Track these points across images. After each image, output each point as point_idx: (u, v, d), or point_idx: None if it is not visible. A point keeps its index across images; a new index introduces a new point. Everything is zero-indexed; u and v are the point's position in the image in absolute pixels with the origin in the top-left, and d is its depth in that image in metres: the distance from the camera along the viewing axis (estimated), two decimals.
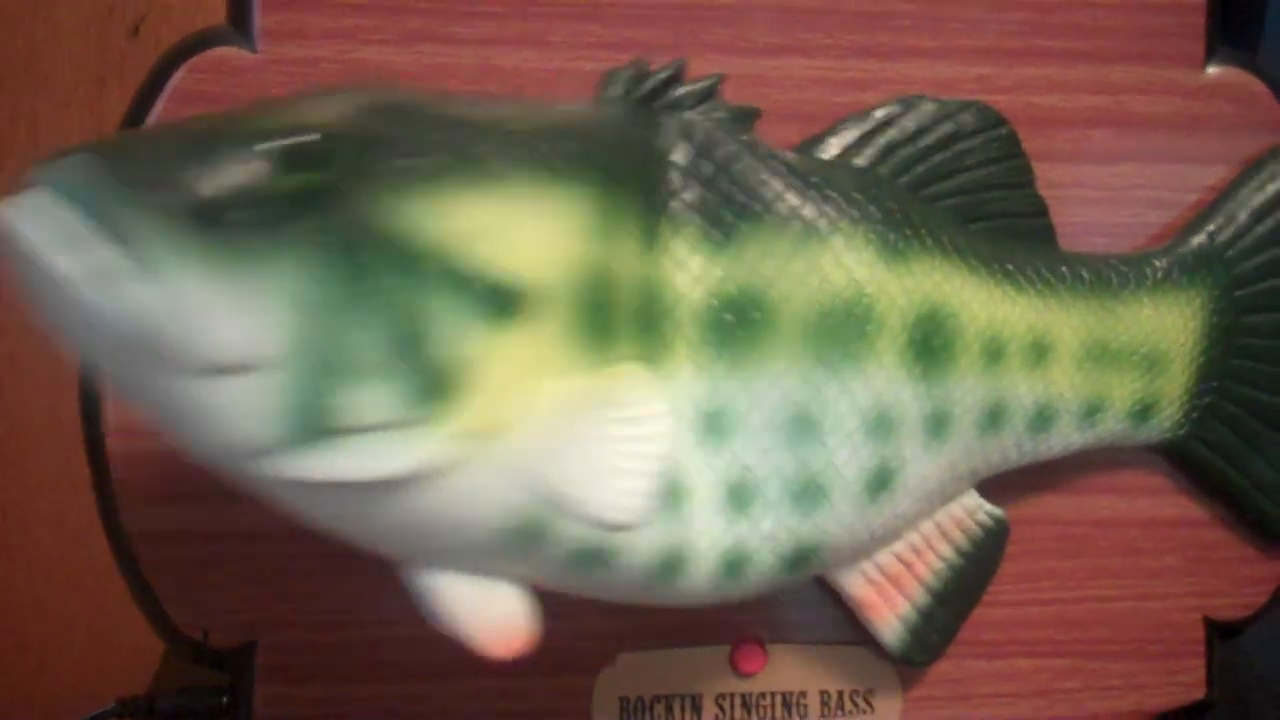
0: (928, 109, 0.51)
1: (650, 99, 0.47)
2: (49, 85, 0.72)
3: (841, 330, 0.46)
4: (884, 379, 0.47)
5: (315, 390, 0.36)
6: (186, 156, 0.36)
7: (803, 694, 0.56)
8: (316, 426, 0.37)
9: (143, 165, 0.35)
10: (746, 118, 0.48)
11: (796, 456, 0.45)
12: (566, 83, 0.52)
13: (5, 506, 0.71)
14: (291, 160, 0.36)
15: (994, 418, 0.50)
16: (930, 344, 0.48)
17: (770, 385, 0.45)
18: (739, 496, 0.45)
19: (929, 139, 0.51)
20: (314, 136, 0.37)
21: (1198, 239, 0.55)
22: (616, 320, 0.42)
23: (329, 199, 0.37)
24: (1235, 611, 0.59)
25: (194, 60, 0.52)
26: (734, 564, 0.45)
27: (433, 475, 0.38)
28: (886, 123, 0.51)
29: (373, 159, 0.38)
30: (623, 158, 0.44)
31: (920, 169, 0.50)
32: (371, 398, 0.37)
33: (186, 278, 0.35)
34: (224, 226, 0.35)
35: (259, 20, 0.52)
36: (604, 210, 0.42)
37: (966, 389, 0.49)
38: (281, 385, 0.36)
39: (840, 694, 0.57)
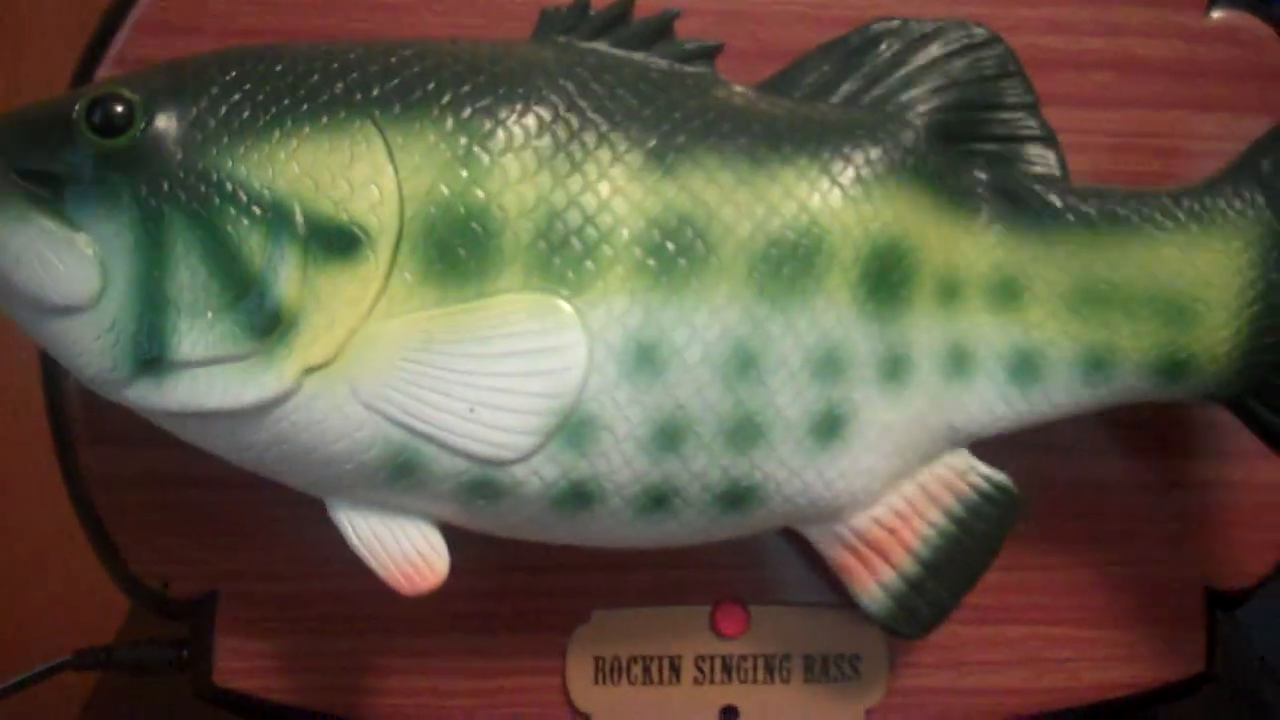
0: (910, 29, 0.48)
1: (593, 36, 0.46)
2: (28, 33, 0.70)
3: (788, 262, 0.44)
4: (833, 316, 0.45)
5: (146, 327, 0.41)
6: (19, 127, 0.42)
7: (786, 657, 0.54)
8: (155, 360, 0.41)
9: None
10: (707, 54, 0.47)
11: (734, 394, 0.44)
12: None
13: None
14: (104, 122, 0.41)
15: (957, 362, 0.47)
16: (887, 280, 0.45)
17: (710, 318, 0.43)
18: (668, 434, 0.44)
19: (911, 64, 0.48)
20: (125, 100, 0.42)
21: (1244, 176, 0.49)
22: (491, 251, 0.42)
23: (138, 154, 0.41)
24: (1238, 581, 0.57)
25: None
26: (660, 500, 0.45)
27: (283, 407, 0.42)
28: (862, 50, 0.48)
29: (189, 115, 0.42)
30: (503, 92, 0.44)
31: (903, 95, 0.48)
32: (203, 334, 0.41)
33: (13, 233, 0.41)
34: (42, 187, 0.41)
35: None
36: (460, 144, 0.43)
37: (921, 329, 0.46)
38: (112, 322, 0.41)
39: (825, 658, 0.54)
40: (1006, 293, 0.47)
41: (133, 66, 0.49)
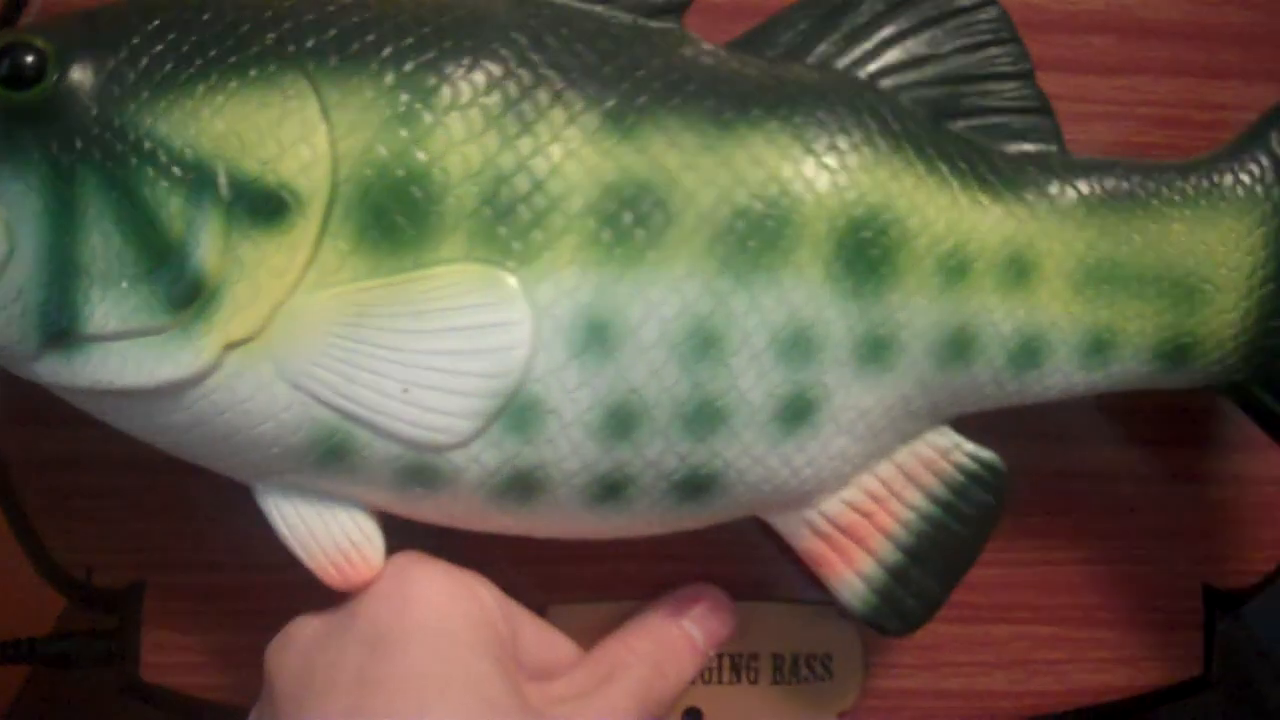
0: None
1: None
2: None
3: (755, 234, 0.41)
4: (803, 293, 0.41)
5: (54, 297, 0.38)
6: None
7: (753, 656, 0.51)
8: (65, 332, 0.38)
9: None
10: (675, 8, 0.44)
11: (693, 377, 0.41)
12: None
13: None
14: (12, 73, 0.38)
15: (959, 347, 0.44)
16: (865, 254, 0.42)
17: (668, 293, 0.40)
18: (620, 420, 0.41)
19: (895, 24, 0.45)
20: (36, 50, 0.38)
21: (1254, 149, 0.46)
22: (431, 218, 0.39)
23: (49, 109, 0.38)
24: (1238, 580, 0.54)
25: None
26: (612, 488, 0.42)
27: (202, 385, 0.39)
28: (841, 8, 0.45)
29: (105, 67, 0.39)
30: (449, 45, 0.40)
31: (884, 59, 0.45)
32: (115, 305, 0.38)
33: None
34: None
35: None
36: (401, 100, 0.39)
37: (915, 310, 0.43)
38: (19, 291, 0.38)
39: (795, 658, 0.51)
40: (1017, 271, 0.44)
41: (57, 16, 0.45)
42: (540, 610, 0.50)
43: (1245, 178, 0.46)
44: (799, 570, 0.49)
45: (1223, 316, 0.45)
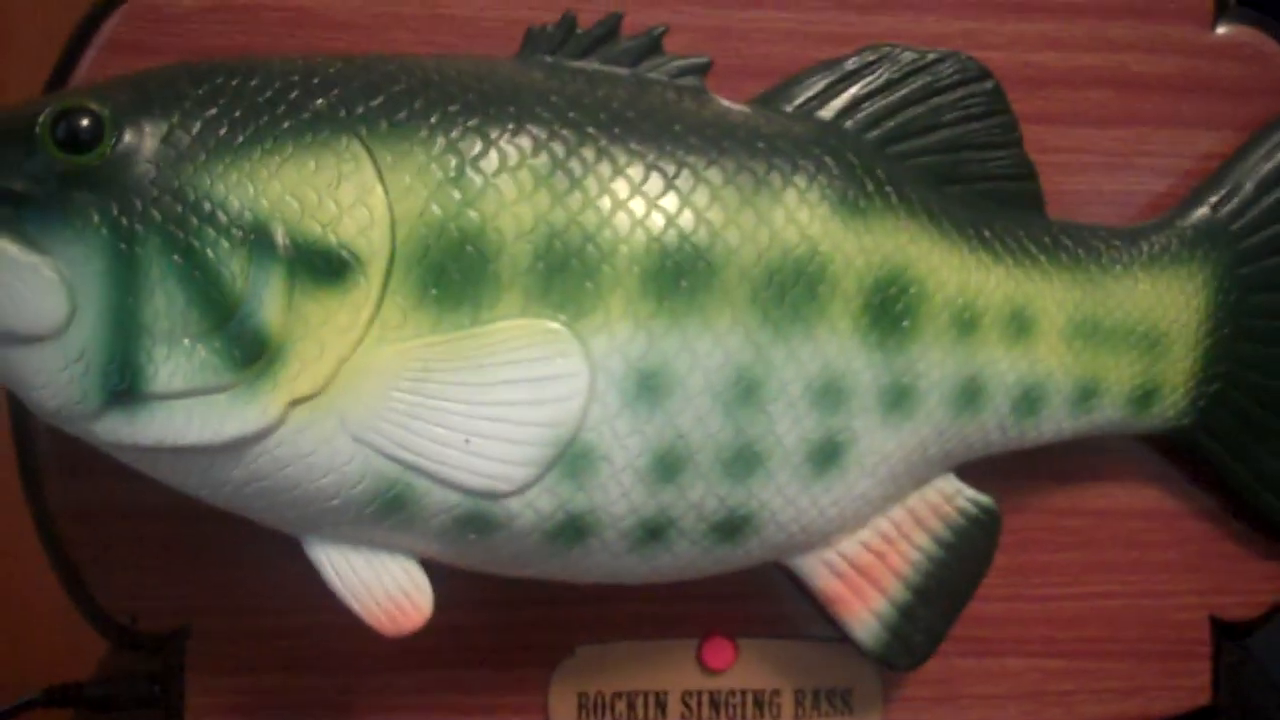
0: (903, 58, 0.48)
1: (581, 55, 0.45)
2: (15, 43, 0.69)
3: (791, 289, 0.43)
4: (835, 345, 0.44)
5: (117, 356, 0.39)
6: None
7: (776, 692, 0.53)
8: (127, 392, 0.39)
9: None
10: (697, 70, 0.46)
11: (735, 422, 0.43)
12: (522, 35, 0.48)
13: None
14: (69, 137, 0.39)
15: (970, 396, 0.46)
16: (890, 310, 0.44)
17: (713, 344, 0.42)
18: (667, 464, 0.42)
19: (902, 91, 0.47)
20: (93, 114, 0.39)
21: (1199, 211, 0.51)
22: (488, 275, 0.41)
23: (106, 174, 0.39)
24: (1243, 611, 0.56)
25: (126, 7, 0.49)
26: (657, 531, 0.43)
27: (265, 441, 0.40)
28: (856, 73, 0.47)
29: (161, 130, 0.40)
30: (493, 110, 0.42)
31: (891, 124, 0.47)
32: (180, 364, 0.39)
33: None
34: (2, 207, 0.39)
35: None
36: (451, 164, 0.41)
37: (933, 362, 0.45)
38: (81, 351, 0.39)
39: (816, 693, 0.53)
40: (1017, 326, 0.47)
41: None
42: (568, 651, 0.52)
43: (1189, 239, 0.50)
44: (813, 609, 0.50)
45: (1176, 365, 0.50)
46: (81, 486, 0.50)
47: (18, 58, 0.71)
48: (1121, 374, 0.49)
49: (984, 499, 0.49)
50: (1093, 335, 0.48)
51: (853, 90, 0.47)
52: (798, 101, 0.47)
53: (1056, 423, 0.49)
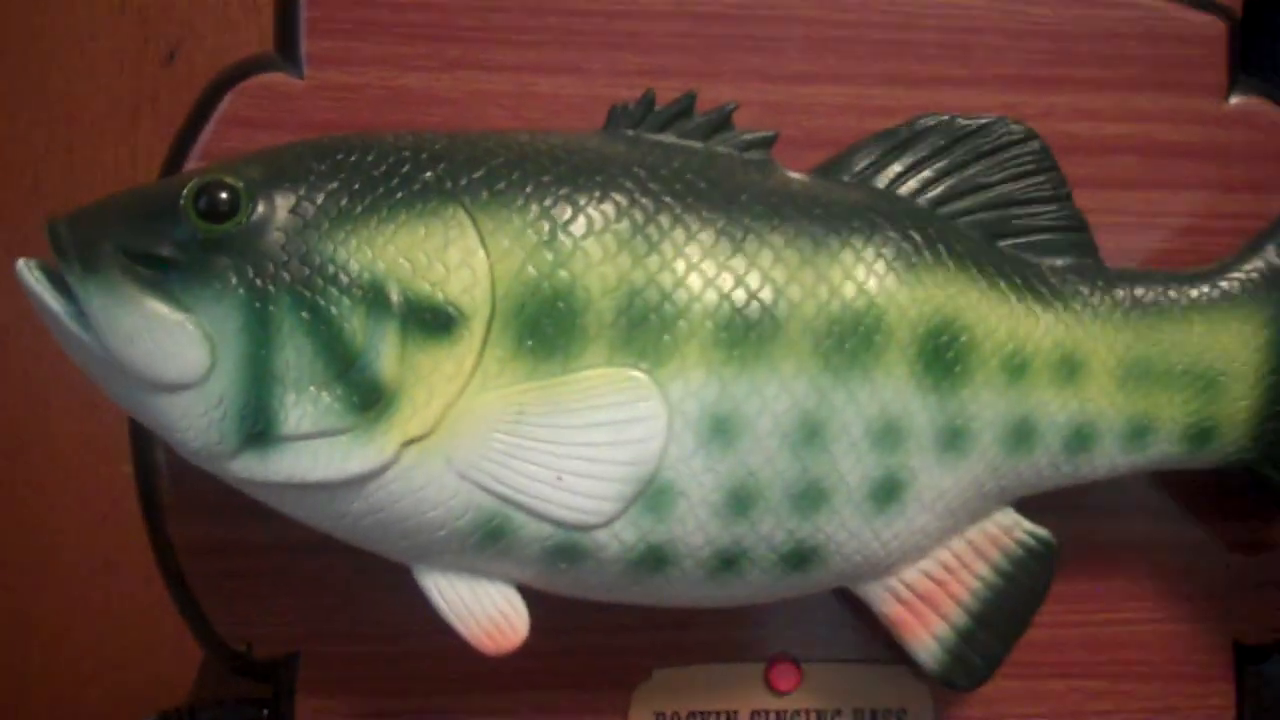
0: (954, 125, 0.52)
1: (659, 129, 0.50)
2: (84, 115, 0.73)
3: (850, 339, 0.47)
4: (891, 389, 0.48)
5: (252, 402, 0.43)
6: (126, 211, 0.45)
7: (837, 712, 0.57)
8: (261, 434, 0.43)
9: (96, 224, 0.44)
10: (763, 143, 0.50)
11: (801, 461, 0.47)
12: (602, 109, 0.53)
13: (38, 524, 0.72)
14: (209, 209, 0.44)
15: (1021, 435, 0.50)
16: (942, 357, 0.48)
17: (780, 390, 0.46)
18: (739, 500, 0.46)
19: (954, 156, 0.51)
20: (230, 188, 0.44)
21: (1262, 256, 0.53)
22: (577, 329, 0.45)
23: (242, 241, 0.44)
24: (1263, 636, 0.59)
25: (241, 86, 0.54)
26: (730, 561, 0.47)
27: (381, 478, 0.44)
28: (910, 141, 0.52)
29: (289, 202, 0.45)
30: (582, 180, 0.47)
31: (944, 186, 0.51)
32: (307, 409, 0.43)
33: (127, 313, 0.43)
34: (151, 271, 0.43)
35: (305, 46, 0.54)
36: (544, 229, 0.45)
37: (984, 403, 0.49)
38: (220, 398, 0.43)
39: (874, 713, 0.57)
40: (1067, 369, 0.50)
41: (217, 159, 0.52)
42: (646, 673, 0.56)
43: (1249, 285, 0.53)
44: (873, 635, 0.55)
45: (1237, 404, 0.52)
46: (198, 524, 0.53)
47: (87, 129, 0.74)
48: (1176, 412, 0.51)
49: (1042, 532, 0.52)
50: (1145, 376, 0.51)
51: (905, 157, 0.51)
52: (855, 169, 0.52)
53: (1109, 459, 0.52)
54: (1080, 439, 0.51)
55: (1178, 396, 0.51)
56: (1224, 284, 0.53)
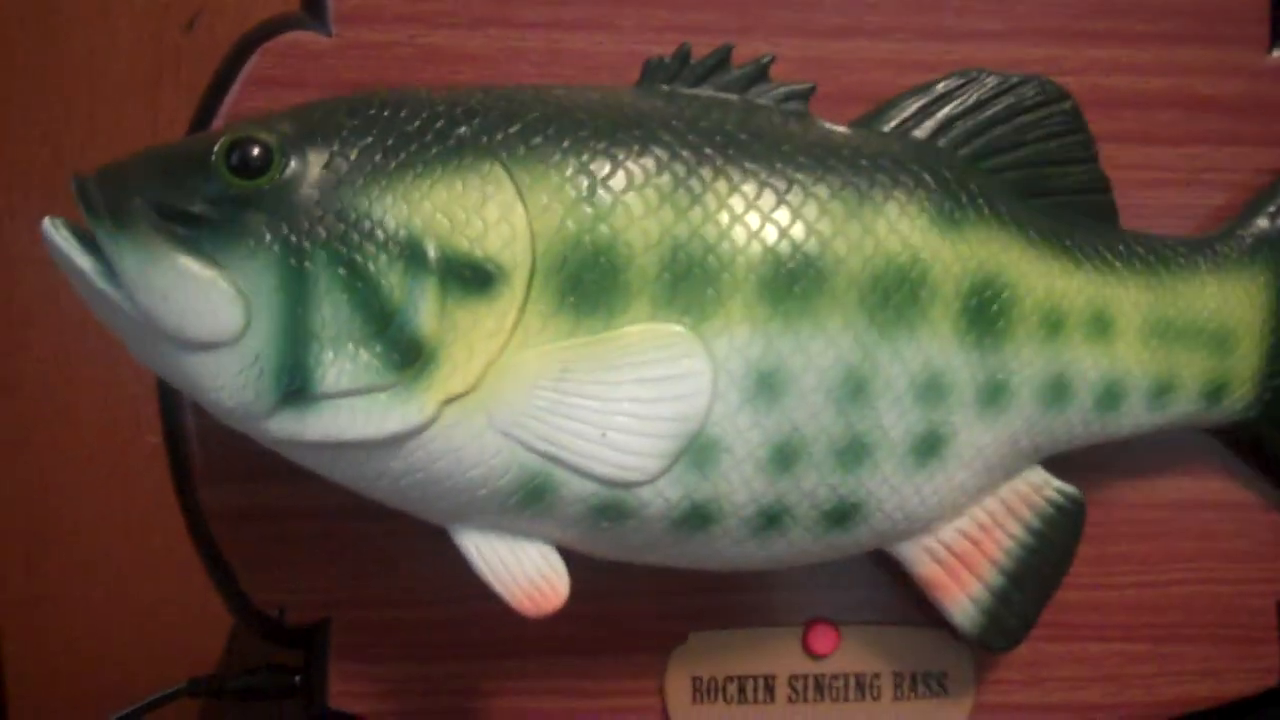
0: (989, 82, 0.51)
1: (695, 83, 0.49)
2: (104, 82, 0.73)
3: (895, 294, 0.46)
4: (936, 345, 0.47)
5: (289, 360, 0.42)
6: (157, 167, 0.44)
7: (876, 675, 0.56)
8: (298, 392, 0.43)
9: (126, 181, 0.43)
10: (802, 95, 0.50)
11: (845, 417, 0.46)
12: (635, 66, 0.52)
13: (63, 496, 0.72)
14: (241, 164, 0.43)
15: (1057, 391, 0.50)
16: (985, 313, 0.48)
17: (825, 345, 0.46)
18: (784, 455, 0.46)
19: (989, 112, 0.51)
20: (262, 143, 0.43)
21: (1258, 219, 0.55)
22: (619, 284, 0.44)
23: (275, 197, 0.43)
24: None
25: (268, 45, 0.53)
26: (774, 518, 0.47)
27: (420, 436, 0.43)
28: (946, 96, 0.51)
29: (323, 158, 0.44)
30: (620, 135, 0.46)
31: (980, 142, 0.51)
32: (345, 366, 0.43)
33: (160, 271, 0.42)
34: (183, 228, 0.42)
35: (333, 4, 0.53)
36: (583, 184, 0.45)
37: (1024, 360, 0.49)
38: (256, 356, 0.42)
39: (913, 676, 0.56)
40: (1100, 327, 0.50)
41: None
42: (683, 637, 0.55)
43: (1250, 246, 0.54)
44: (911, 597, 0.54)
45: (1244, 361, 0.53)
46: (231, 490, 0.53)
47: (108, 96, 0.74)
48: (1194, 370, 0.52)
49: (1070, 489, 0.52)
50: (1166, 334, 0.51)
51: (944, 111, 0.51)
52: (894, 123, 0.51)
53: (1135, 417, 0.52)
54: (1111, 396, 0.51)
55: (1196, 355, 0.52)
56: (1229, 246, 0.54)
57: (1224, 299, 0.53)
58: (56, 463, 0.72)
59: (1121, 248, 0.52)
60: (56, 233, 0.43)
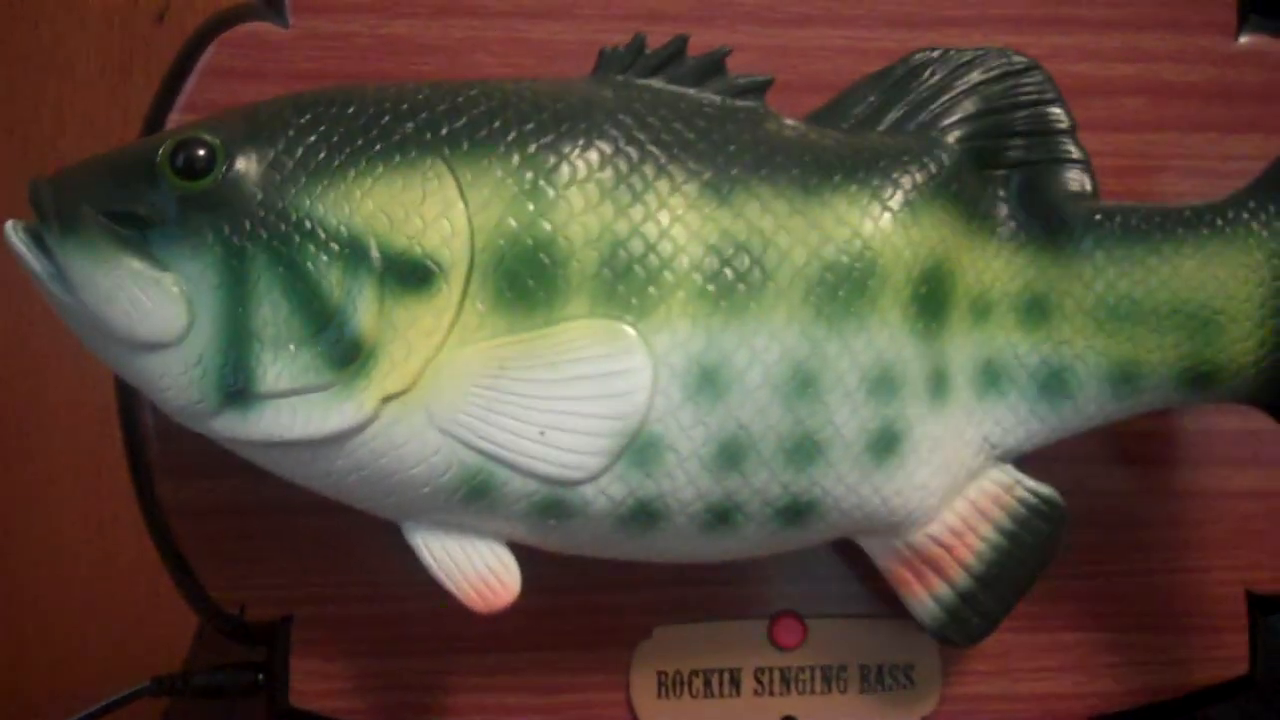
0: (951, 57, 0.50)
1: (650, 74, 0.48)
2: (74, 72, 0.73)
3: (843, 285, 0.46)
4: (887, 336, 0.46)
5: (230, 360, 0.43)
6: (104, 171, 0.44)
7: (843, 667, 0.56)
8: (240, 392, 0.43)
9: (76, 185, 0.43)
10: (757, 88, 0.49)
11: (794, 414, 0.45)
12: (596, 56, 0.52)
13: (30, 494, 0.72)
14: (186, 166, 0.43)
15: (990, 378, 0.49)
16: (932, 300, 0.47)
17: (770, 340, 0.45)
18: (730, 452, 0.45)
19: (957, 85, 0.50)
20: (206, 144, 0.43)
21: (1265, 192, 0.50)
22: (558, 280, 0.44)
23: (219, 197, 0.43)
24: (1277, 585, 0.58)
25: (225, 35, 0.53)
26: (723, 516, 0.46)
27: (362, 434, 0.44)
28: (905, 77, 0.50)
29: (267, 157, 0.44)
30: (565, 128, 0.45)
31: (948, 116, 0.50)
32: (285, 366, 0.43)
33: (104, 273, 0.42)
34: (128, 227, 0.43)
35: None
36: (526, 178, 0.44)
37: (958, 347, 0.48)
38: (199, 356, 0.43)
39: (880, 667, 0.56)
40: (1037, 310, 0.49)
41: (201, 112, 0.51)
42: (647, 632, 0.55)
43: (1256, 218, 0.50)
44: (877, 589, 0.54)
45: (1239, 344, 0.50)
46: (191, 487, 0.53)
47: (77, 87, 0.74)
48: (1165, 355, 0.49)
49: (1045, 490, 0.50)
50: (1128, 318, 0.49)
51: (906, 97, 0.50)
52: (851, 111, 0.50)
53: (1100, 406, 0.50)
54: (1057, 383, 0.49)
55: (1167, 339, 0.49)
56: (1224, 219, 0.50)
57: (1207, 277, 0.49)
58: (20, 460, 0.71)
59: (1085, 221, 0.49)
60: (15, 236, 0.43)
